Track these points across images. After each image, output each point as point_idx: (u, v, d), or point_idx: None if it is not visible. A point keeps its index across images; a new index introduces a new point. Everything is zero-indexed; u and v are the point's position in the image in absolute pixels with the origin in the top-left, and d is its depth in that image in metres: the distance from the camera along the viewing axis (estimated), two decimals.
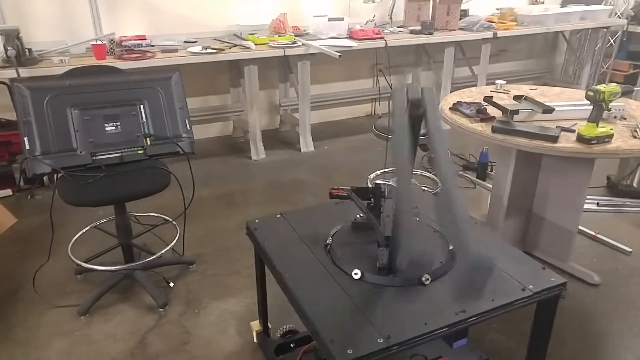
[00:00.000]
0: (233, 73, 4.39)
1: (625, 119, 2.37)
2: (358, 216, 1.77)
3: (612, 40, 5.70)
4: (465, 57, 5.06)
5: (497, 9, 5.22)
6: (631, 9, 5.42)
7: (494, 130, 2.24)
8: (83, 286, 2.51)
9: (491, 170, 3.74)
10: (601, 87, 2.08)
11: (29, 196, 3.41)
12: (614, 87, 2.09)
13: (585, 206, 3.20)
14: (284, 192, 3.58)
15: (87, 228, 2.79)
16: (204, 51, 3.65)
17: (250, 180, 3.76)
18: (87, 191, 2.16)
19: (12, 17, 3.55)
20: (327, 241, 1.67)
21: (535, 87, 2.96)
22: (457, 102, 2.56)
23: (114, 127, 2.29)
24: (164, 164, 2.39)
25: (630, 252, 2.77)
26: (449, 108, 2.56)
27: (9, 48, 3.08)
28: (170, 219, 2.87)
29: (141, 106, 2.33)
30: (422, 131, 2.86)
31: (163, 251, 2.61)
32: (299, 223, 1.85)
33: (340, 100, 5.05)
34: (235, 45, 3.84)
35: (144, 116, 2.34)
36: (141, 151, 2.32)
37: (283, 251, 1.68)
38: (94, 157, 2.23)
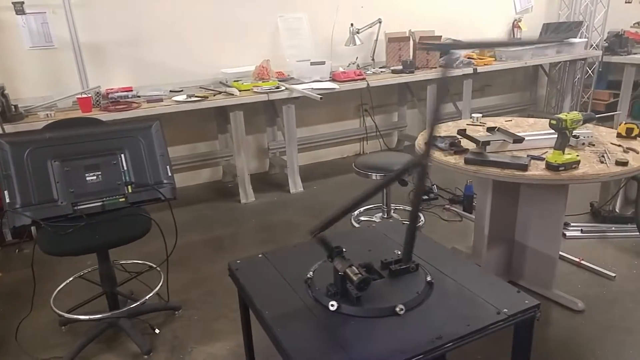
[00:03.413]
0: (220, 119, 4.48)
1: (593, 145, 2.43)
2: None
3: (590, 71, 5.83)
4: (449, 93, 5.17)
5: None
6: (604, 40, 5.58)
7: (466, 162, 2.28)
8: (68, 338, 2.48)
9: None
10: (563, 115, 2.15)
11: (17, 250, 3.41)
12: (575, 115, 2.16)
13: (569, 233, 3.22)
14: (273, 234, 3.58)
15: (71, 278, 2.78)
16: (189, 99, 3.73)
17: (239, 224, 3.77)
18: (67, 241, 2.17)
19: None
20: (308, 276, 1.68)
21: (510, 118, 3.02)
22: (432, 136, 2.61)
23: (95, 177, 2.32)
24: (145, 211, 2.41)
25: (614, 277, 2.76)
26: (425, 143, 2.60)
27: None
28: (155, 266, 2.87)
29: (122, 155, 2.38)
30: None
31: (146, 298, 2.60)
32: (281, 261, 1.86)
33: (328, 141, 5.11)
34: (220, 93, 3.93)
35: (124, 165, 2.37)
36: (122, 199, 2.34)
37: (263, 289, 1.69)
38: (75, 207, 2.25)
